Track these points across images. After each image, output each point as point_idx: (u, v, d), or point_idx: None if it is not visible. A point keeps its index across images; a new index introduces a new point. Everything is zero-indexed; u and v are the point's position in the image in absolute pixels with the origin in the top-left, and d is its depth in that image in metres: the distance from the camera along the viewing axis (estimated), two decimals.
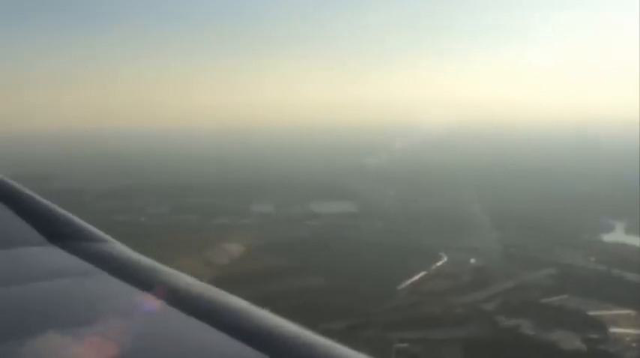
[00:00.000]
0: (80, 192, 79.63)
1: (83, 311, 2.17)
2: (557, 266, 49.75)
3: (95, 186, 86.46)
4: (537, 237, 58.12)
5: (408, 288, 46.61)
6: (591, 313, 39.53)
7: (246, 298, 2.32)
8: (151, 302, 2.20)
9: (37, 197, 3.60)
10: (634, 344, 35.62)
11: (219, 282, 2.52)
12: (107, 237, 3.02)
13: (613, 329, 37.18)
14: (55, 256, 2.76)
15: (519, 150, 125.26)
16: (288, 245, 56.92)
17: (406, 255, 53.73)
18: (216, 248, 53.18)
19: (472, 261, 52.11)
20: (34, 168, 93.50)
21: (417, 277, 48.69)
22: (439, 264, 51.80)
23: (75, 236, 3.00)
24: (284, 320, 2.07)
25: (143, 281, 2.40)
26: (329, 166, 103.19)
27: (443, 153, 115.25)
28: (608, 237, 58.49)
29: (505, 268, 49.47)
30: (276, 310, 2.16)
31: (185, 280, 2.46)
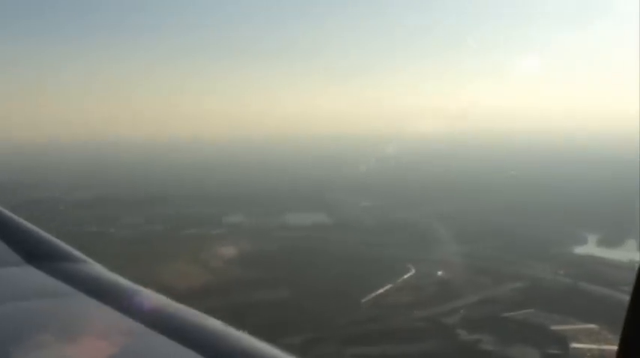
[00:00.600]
0: (56, 201, 78.91)
1: (60, 332, 2.12)
2: (524, 279, 48.99)
3: (73, 195, 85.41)
4: (509, 250, 57.44)
5: (371, 301, 45.72)
6: (554, 328, 38.74)
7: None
8: (128, 323, 2.17)
9: (15, 217, 3.56)
10: None
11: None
12: (84, 257, 3.01)
13: (574, 345, 36.40)
14: (32, 276, 2.74)
15: (508, 159, 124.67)
16: (254, 257, 55.93)
17: (374, 268, 52.89)
18: (179, 260, 52.33)
19: (439, 273, 51.30)
20: (14, 176, 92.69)
21: (382, 290, 47.83)
22: (406, 276, 50.97)
23: (52, 256, 2.98)
24: (263, 344, 2.05)
25: (120, 302, 2.38)
26: (310, 176, 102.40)
27: (429, 162, 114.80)
28: (579, 250, 57.84)
29: (472, 281, 48.68)
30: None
31: (162, 301, 2.46)
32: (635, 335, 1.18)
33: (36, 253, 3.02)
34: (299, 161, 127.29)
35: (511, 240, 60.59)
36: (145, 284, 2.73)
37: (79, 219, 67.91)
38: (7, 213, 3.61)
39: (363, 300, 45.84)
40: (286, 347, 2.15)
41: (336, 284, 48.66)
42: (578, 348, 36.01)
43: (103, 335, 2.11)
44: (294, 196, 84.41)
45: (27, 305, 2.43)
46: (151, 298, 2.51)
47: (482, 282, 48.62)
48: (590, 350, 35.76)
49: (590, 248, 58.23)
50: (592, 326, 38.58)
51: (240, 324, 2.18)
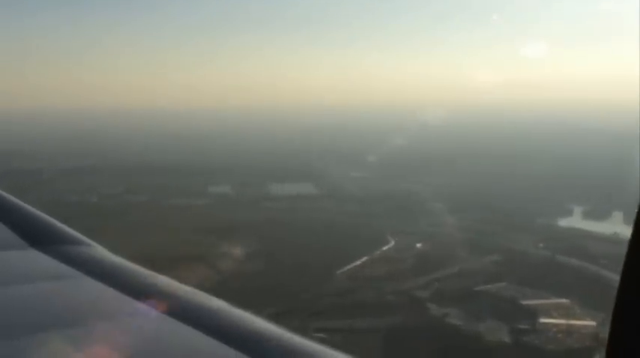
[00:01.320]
0: (40, 171, 78.08)
1: (64, 314, 2.16)
2: (504, 252, 48.27)
3: (58, 164, 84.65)
4: (493, 222, 56.64)
5: (346, 274, 45.17)
6: (525, 302, 38.11)
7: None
8: (131, 305, 2.20)
9: (17, 201, 3.59)
10: (560, 335, 34.21)
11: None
12: (87, 240, 3.03)
13: (543, 320, 35.77)
14: (36, 260, 2.78)
15: (504, 135, 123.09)
16: (236, 227, 55.30)
17: (354, 239, 52.33)
18: (155, 232, 51.86)
19: (418, 245, 50.67)
20: (2, 145, 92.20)
21: (358, 262, 47.28)
22: (385, 248, 50.36)
23: (55, 239, 3.01)
24: (263, 321, 2.10)
25: (124, 284, 2.41)
26: (303, 147, 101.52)
27: (428, 138, 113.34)
28: (564, 222, 57.05)
29: (450, 254, 48.06)
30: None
31: (166, 282, 2.48)
32: (623, 328, 1.14)
33: (40, 237, 3.04)
34: (298, 132, 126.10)
35: (497, 212, 59.80)
36: (149, 267, 2.73)
37: (61, 189, 67.38)
38: (11, 197, 3.64)
39: (338, 272, 45.29)
40: None
41: (312, 256, 48.07)
42: (546, 323, 35.38)
43: (107, 317, 2.14)
44: (284, 166, 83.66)
45: (31, 288, 2.45)
46: (155, 280, 2.53)
47: (461, 255, 47.94)
48: (557, 325, 35.16)
49: (574, 220, 57.44)
50: (564, 300, 37.95)
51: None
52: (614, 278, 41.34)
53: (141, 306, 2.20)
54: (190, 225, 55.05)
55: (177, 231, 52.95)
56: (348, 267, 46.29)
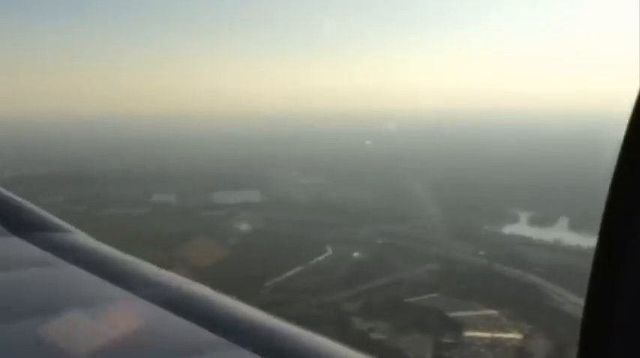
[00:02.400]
0: None
1: (47, 301, 2.13)
2: (442, 260, 46.67)
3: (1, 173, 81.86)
4: (437, 230, 55.02)
5: (274, 286, 43.34)
6: (453, 314, 36.46)
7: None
8: (114, 291, 2.18)
9: None
10: (483, 350, 32.60)
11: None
12: (69, 227, 3.11)
13: (468, 333, 34.12)
14: (17, 247, 2.76)
15: (457, 143, 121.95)
16: (169, 237, 53.14)
17: (290, 248, 50.57)
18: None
19: (355, 254, 48.94)
20: None
21: (290, 273, 45.43)
22: (321, 258, 48.56)
23: (37, 226, 3.02)
24: (248, 307, 2.13)
25: (106, 270, 2.39)
26: (257, 154, 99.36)
27: (383, 145, 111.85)
28: (508, 229, 55.63)
29: (387, 263, 46.44)
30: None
31: (148, 269, 2.51)
32: (592, 333, 1.23)
33: (20, 224, 2.98)
34: (253, 138, 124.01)
35: (443, 220, 58.21)
36: (131, 253, 2.62)
37: None
38: None
39: (267, 284, 43.40)
40: None
41: (244, 267, 46.03)
42: (470, 337, 33.74)
43: (90, 303, 2.10)
44: (235, 173, 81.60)
45: (14, 275, 2.38)
46: (136, 266, 2.50)
47: (397, 264, 46.32)
48: (482, 338, 33.53)
49: (519, 227, 56.05)
50: (492, 312, 36.37)
51: None
52: (547, 286, 39.96)
53: (123, 293, 2.15)
54: (120, 236, 52.73)
55: (105, 242, 50.55)
56: (279, 278, 44.46)
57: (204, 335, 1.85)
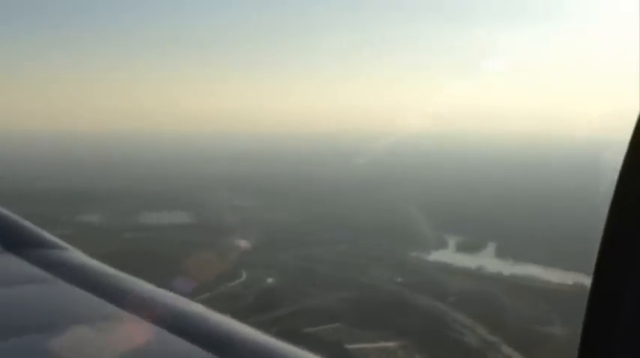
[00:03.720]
0: None
1: (40, 318, 2.10)
2: (356, 287, 44.82)
3: None
4: (360, 255, 53.35)
5: None
6: (349, 346, 34.51)
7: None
8: (108, 309, 2.14)
9: None
10: None
11: None
12: (64, 244, 3.09)
13: None
14: (11, 264, 2.72)
15: (410, 166, 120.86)
16: None
17: (204, 273, 47.97)
18: None
19: (269, 280, 46.87)
20: None
21: (196, 299, 42.94)
22: (232, 283, 46.41)
23: (31, 243, 2.99)
24: (243, 325, 2.06)
25: (100, 288, 2.36)
26: (197, 174, 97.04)
27: (329, 168, 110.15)
28: (434, 255, 53.94)
29: (298, 289, 44.49)
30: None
31: (145, 287, 2.46)
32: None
33: (15, 240, 2.95)
34: (198, 157, 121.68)
35: (369, 245, 56.52)
36: (127, 271, 2.54)
37: None
38: None
39: None
40: None
41: None
42: None
43: (83, 320, 2.06)
44: (169, 194, 79.22)
45: (6, 291, 2.33)
46: (132, 284, 2.46)
47: (309, 291, 44.36)
48: None
49: (445, 253, 54.45)
50: (391, 344, 34.52)
51: None
52: (455, 317, 38.19)
53: (117, 310, 2.12)
54: None
55: None
56: None
57: (199, 354, 1.79)
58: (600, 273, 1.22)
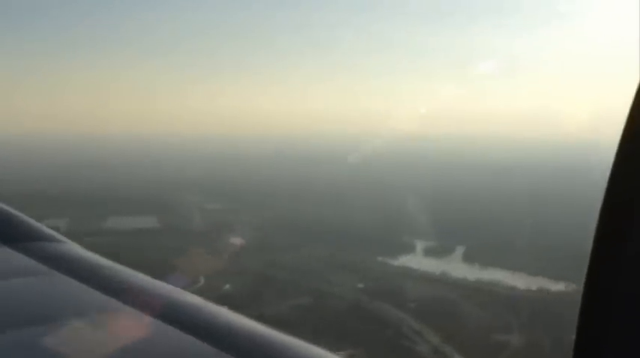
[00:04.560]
0: None
1: (37, 312, 2.07)
2: (314, 294, 43.55)
3: None
4: (324, 260, 52.05)
5: None
6: None
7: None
8: (105, 302, 2.12)
9: None
10: None
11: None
12: (60, 237, 3.05)
13: None
14: (9, 257, 2.68)
15: (397, 169, 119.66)
16: None
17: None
18: None
19: (226, 286, 45.55)
20: None
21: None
22: (188, 289, 44.86)
23: (28, 236, 2.94)
24: (240, 316, 2.08)
25: (98, 280, 2.34)
26: (171, 178, 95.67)
27: (309, 169, 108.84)
28: (400, 260, 52.59)
29: (255, 296, 43.14)
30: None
31: (142, 279, 2.44)
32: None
33: (12, 234, 2.90)
34: (176, 160, 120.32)
35: (336, 248, 55.20)
36: (123, 263, 2.51)
37: None
38: None
39: None
40: None
41: None
42: None
43: (81, 314, 2.05)
44: (141, 197, 77.89)
45: (4, 285, 2.32)
46: (129, 276, 2.44)
47: (266, 298, 43.03)
48: None
49: (412, 258, 53.16)
50: (340, 353, 33.02)
51: None
52: (411, 324, 36.89)
53: (115, 302, 2.09)
54: None
55: None
56: None
57: (198, 346, 1.78)
58: (593, 274, 1.20)
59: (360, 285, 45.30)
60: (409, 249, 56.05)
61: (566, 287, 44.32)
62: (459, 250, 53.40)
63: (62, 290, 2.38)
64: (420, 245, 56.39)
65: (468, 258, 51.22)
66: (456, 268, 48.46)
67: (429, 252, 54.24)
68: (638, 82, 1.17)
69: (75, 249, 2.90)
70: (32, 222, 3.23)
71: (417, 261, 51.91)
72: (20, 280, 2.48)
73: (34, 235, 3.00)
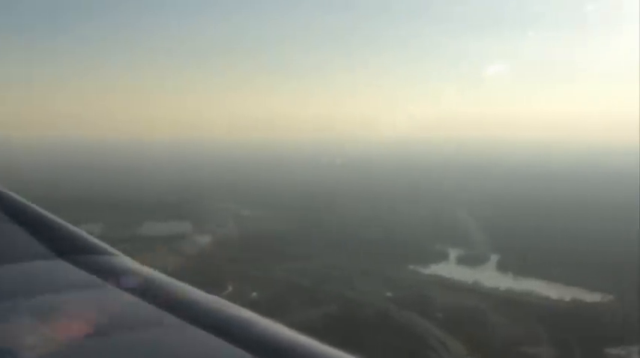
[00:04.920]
0: None
1: (92, 324, 2.12)
2: (342, 302, 42.95)
3: None
4: (352, 269, 51.25)
5: None
6: None
7: None
8: (158, 315, 2.17)
9: (42, 211, 3.62)
10: None
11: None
12: (114, 250, 3.03)
13: None
14: (63, 269, 2.77)
15: (428, 173, 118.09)
16: None
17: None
18: None
19: (254, 294, 45.37)
20: None
21: None
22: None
23: (81, 249, 2.98)
24: (300, 335, 2.02)
25: (151, 294, 2.39)
26: (210, 183, 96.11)
27: (339, 175, 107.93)
28: (433, 268, 51.61)
29: (282, 303, 42.75)
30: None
31: (193, 292, 2.45)
32: None
33: (66, 247, 2.99)
34: (213, 165, 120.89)
35: (367, 255, 54.51)
36: (175, 276, 2.56)
37: None
38: (36, 207, 3.64)
39: None
40: None
41: None
42: None
43: (134, 327, 2.09)
44: (178, 203, 78.31)
45: (59, 297, 2.40)
46: (183, 289, 2.45)
47: (294, 305, 42.64)
48: None
49: (444, 266, 52.16)
50: None
51: None
52: (437, 335, 36.12)
53: (168, 316, 2.12)
54: None
55: None
56: None
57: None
58: None
59: (389, 294, 44.65)
60: (441, 257, 55.09)
61: (602, 298, 42.97)
62: (493, 259, 52.24)
63: (115, 302, 2.37)
64: (453, 253, 55.34)
65: (502, 267, 50.07)
66: (490, 277, 47.39)
67: (462, 261, 53.19)
68: None
69: (127, 262, 2.89)
70: (85, 234, 3.24)
71: (449, 269, 50.94)
72: (74, 293, 2.49)
73: (87, 248, 3.00)
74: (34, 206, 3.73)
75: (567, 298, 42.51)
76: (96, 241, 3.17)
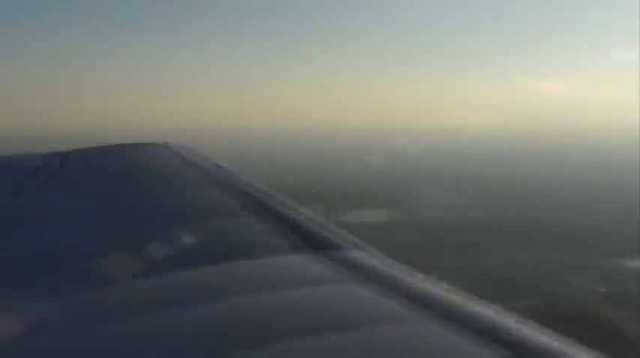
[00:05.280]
0: None
1: (336, 320, 2.13)
2: (548, 296, 42.79)
3: None
4: (552, 260, 50.61)
5: None
6: None
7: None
8: (404, 311, 2.15)
9: (292, 204, 3.66)
10: None
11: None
12: (363, 244, 3.03)
13: None
14: (317, 264, 2.77)
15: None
16: None
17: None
18: None
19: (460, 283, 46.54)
20: None
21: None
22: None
23: (334, 244, 3.00)
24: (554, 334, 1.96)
25: (398, 289, 2.35)
26: (390, 173, 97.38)
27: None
28: (636, 262, 49.39)
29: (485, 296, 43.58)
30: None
31: (442, 288, 2.39)
32: None
33: (319, 241, 3.01)
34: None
35: (557, 249, 53.35)
36: (423, 271, 2.61)
37: None
38: (288, 201, 3.68)
39: None
40: None
41: None
42: None
43: (381, 322, 2.08)
44: (373, 192, 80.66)
45: (312, 292, 2.42)
46: (433, 286, 2.41)
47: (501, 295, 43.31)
48: None
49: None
50: None
51: None
52: None
53: (414, 314, 2.09)
54: None
55: None
56: None
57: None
58: None
59: (602, 289, 43.75)
60: (630, 252, 52.63)
61: None
62: None
63: (364, 298, 2.37)
64: None
65: None
66: None
67: None
68: None
69: (378, 256, 2.89)
70: (336, 229, 3.27)
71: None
72: (327, 287, 2.51)
73: (339, 242, 3.03)
74: (285, 199, 3.72)
75: None
76: (347, 236, 3.14)
